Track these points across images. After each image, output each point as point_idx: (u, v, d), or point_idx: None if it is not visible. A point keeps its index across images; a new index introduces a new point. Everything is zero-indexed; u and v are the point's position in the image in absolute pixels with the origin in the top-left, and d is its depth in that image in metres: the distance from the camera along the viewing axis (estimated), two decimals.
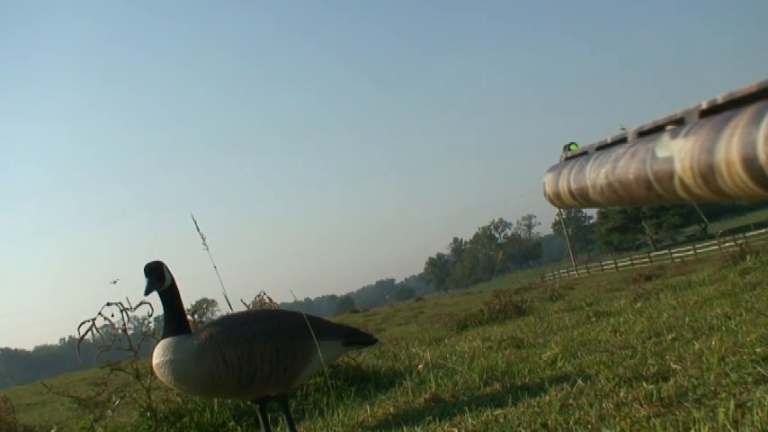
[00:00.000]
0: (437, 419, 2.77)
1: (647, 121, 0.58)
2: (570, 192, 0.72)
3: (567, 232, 61.47)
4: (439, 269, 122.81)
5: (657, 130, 0.54)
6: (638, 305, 5.90)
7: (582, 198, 0.70)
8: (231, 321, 2.77)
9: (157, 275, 2.72)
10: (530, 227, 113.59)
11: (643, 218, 56.49)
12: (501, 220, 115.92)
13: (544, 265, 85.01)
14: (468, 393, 3.22)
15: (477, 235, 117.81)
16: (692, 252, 32.74)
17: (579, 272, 42.92)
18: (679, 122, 0.52)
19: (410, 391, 3.43)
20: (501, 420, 2.56)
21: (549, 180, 0.78)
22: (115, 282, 4.88)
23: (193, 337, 2.67)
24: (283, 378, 2.73)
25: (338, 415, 3.28)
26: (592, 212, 77.75)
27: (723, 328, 3.56)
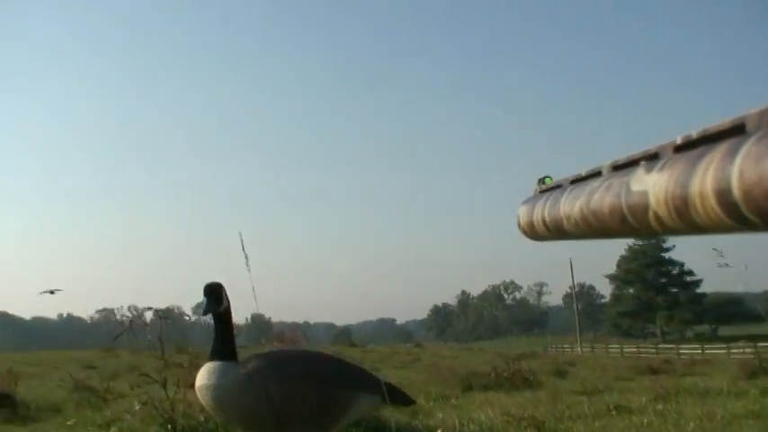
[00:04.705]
0: None
1: (622, 156, 0.59)
2: (544, 223, 0.72)
3: (577, 307, 60.72)
4: (442, 318, 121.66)
5: (632, 164, 0.56)
6: (660, 407, 5.78)
7: (556, 230, 0.70)
8: (278, 357, 2.77)
9: (216, 297, 2.74)
10: (540, 294, 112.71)
11: (657, 308, 55.70)
12: (512, 282, 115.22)
13: (548, 335, 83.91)
14: None
15: (486, 292, 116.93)
16: (699, 351, 32.22)
17: (583, 350, 42.23)
18: (653, 157, 0.53)
19: None
20: None
21: (523, 212, 0.79)
22: (53, 292, 4.87)
23: (240, 365, 2.67)
24: (321, 424, 2.71)
25: None
26: (605, 292, 76.88)
27: None
